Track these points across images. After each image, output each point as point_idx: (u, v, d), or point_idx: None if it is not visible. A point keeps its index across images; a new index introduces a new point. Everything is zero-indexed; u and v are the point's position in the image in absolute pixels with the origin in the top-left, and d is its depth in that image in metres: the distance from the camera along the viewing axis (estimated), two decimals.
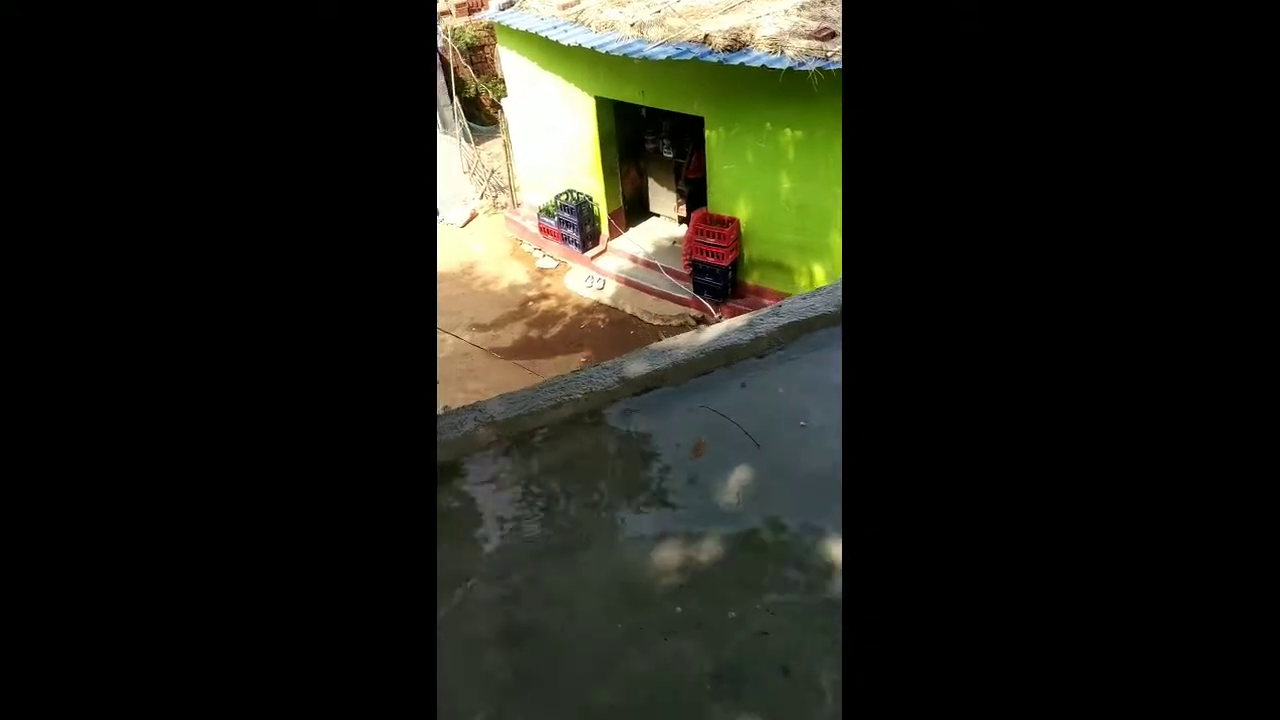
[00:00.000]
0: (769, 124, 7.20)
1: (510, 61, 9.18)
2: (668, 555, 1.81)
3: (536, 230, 9.45)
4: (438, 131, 10.94)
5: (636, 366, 2.29)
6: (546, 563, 1.82)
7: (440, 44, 10.94)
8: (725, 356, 2.36)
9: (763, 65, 6.28)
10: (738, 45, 6.58)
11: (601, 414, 2.22)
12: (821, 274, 7.47)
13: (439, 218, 9.99)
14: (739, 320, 2.49)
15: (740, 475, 2.00)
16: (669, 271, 8.45)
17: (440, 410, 4.05)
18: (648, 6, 7.40)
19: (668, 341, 2.42)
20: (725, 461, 2.04)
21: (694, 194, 8.71)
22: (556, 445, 2.13)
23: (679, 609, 1.69)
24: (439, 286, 9.14)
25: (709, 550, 1.82)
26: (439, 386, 6.45)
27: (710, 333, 2.44)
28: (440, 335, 8.06)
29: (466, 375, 7.59)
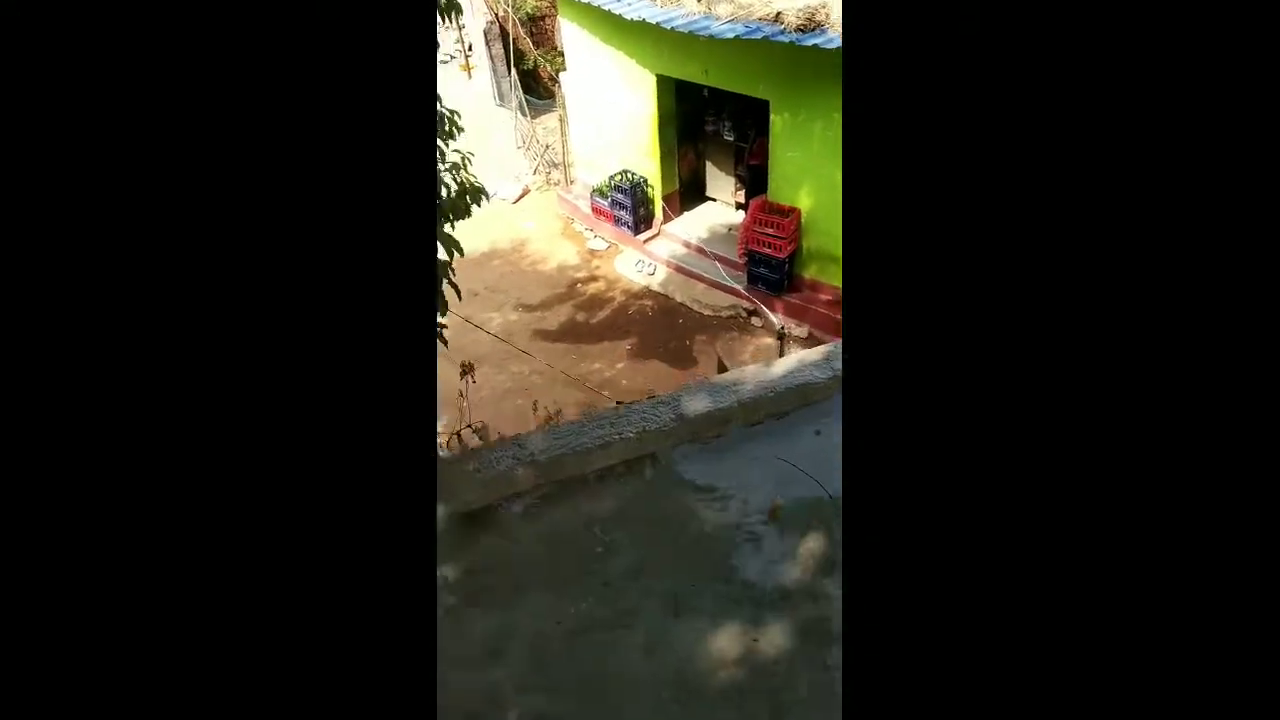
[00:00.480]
0: (838, 111, 6.80)
1: (570, 34, 8.87)
2: (726, 644, 1.55)
3: (589, 210, 9.19)
4: (494, 103, 10.70)
5: (697, 403, 2.02)
6: (587, 641, 1.58)
7: (500, 13, 10.65)
8: (799, 396, 2.08)
9: (838, 47, 5.87)
10: (812, 25, 6.17)
11: (656, 458, 1.96)
12: None
13: (491, 193, 9.79)
14: (814, 353, 2.20)
15: (814, 545, 1.73)
16: (722, 260, 8.12)
17: (477, 426, 3.87)
18: None
19: (733, 374, 2.15)
20: (800, 525, 1.77)
21: (754, 180, 8.33)
22: (603, 494, 1.88)
23: (737, 714, 1.44)
24: (489, 264, 9.00)
25: (776, 640, 1.56)
26: (480, 369, 6.28)
27: (781, 366, 2.16)
28: (485, 315, 7.90)
29: (510, 358, 7.43)
